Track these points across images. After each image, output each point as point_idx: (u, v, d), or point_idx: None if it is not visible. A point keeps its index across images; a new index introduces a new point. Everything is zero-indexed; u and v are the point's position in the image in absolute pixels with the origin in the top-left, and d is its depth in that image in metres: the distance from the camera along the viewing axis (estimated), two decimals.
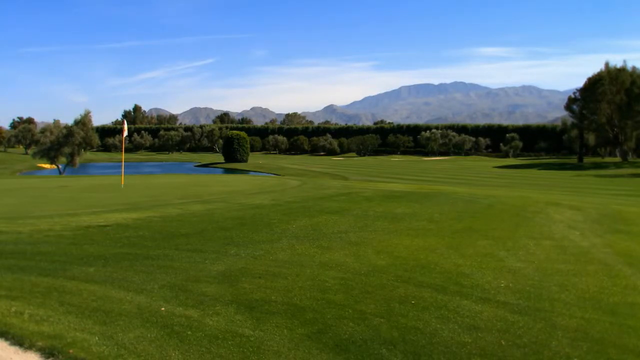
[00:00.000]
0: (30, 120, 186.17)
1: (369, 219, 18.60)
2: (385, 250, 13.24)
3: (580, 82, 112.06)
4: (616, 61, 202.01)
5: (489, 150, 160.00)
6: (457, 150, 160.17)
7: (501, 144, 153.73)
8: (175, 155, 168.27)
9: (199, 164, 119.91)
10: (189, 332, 7.36)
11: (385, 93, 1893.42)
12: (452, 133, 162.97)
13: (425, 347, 7.07)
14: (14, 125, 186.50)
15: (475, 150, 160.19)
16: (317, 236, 15.01)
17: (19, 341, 7.01)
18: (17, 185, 39.00)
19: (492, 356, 6.89)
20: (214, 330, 7.47)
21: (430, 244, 14.07)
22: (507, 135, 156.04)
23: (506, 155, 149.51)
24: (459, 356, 6.85)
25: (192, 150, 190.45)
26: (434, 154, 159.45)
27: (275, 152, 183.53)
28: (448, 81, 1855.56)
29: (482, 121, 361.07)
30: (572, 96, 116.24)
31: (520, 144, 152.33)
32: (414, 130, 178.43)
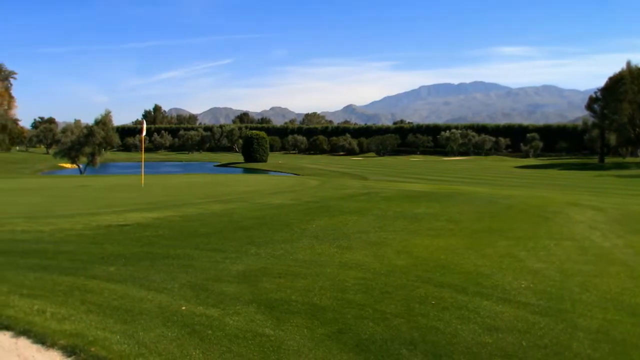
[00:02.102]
0: (51, 120, 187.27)
1: (389, 219, 18.58)
2: (405, 250, 13.22)
3: (601, 82, 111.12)
4: (638, 60, 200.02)
5: (509, 150, 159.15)
6: (477, 150, 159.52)
7: (521, 144, 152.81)
8: (195, 155, 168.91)
9: (219, 163, 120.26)
10: (210, 332, 7.38)
11: (405, 93, 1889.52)
12: (471, 133, 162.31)
13: (446, 348, 7.05)
14: (35, 125, 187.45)
15: (495, 150, 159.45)
16: (337, 236, 15.02)
17: (41, 339, 7.06)
18: (38, 185, 39.32)
19: (513, 357, 6.85)
20: (235, 329, 7.49)
21: (450, 244, 14.03)
22: (528, 135, 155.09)
23: (526, 155, 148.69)
24: (480, 357, 6.82)
25: (211, 150, 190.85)
26: (453, 154, 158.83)
27: (294, 151, 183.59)
28: (468, 81, 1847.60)
29: (502, 121, 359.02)
30: (593, 96, 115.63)
31: (541, 144, 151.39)
32: (433, 130, 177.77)
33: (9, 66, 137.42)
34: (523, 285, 10.08)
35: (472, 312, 8.44)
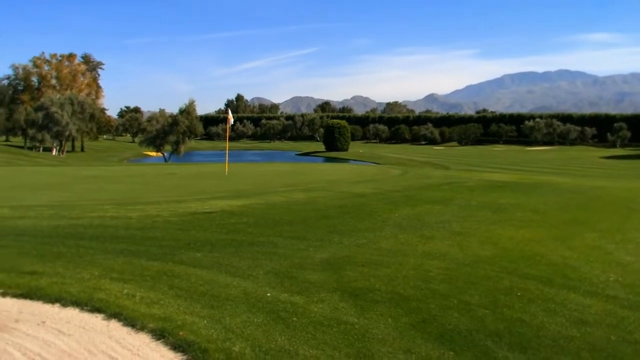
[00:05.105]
0: (136, 110, 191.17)
1: (472, 209, 18.41)
2: (489, 240, 13.10)
3: None
4: None
5: (595, 140, 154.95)
6: (561, 140, 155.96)
7: (608, 134, 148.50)
8: (277, 144, 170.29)
9: (300, 152, 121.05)
10: (295, 318, 7.46)
11: (488, 81, 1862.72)
12: (556, 122, 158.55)
13: (532, 340, 6.97)
14: (121, 114, 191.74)
15: (581, 140, 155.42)
16: (420, 225, 14.97)
17: (131, 322, 7.26)
18: (125, 172, 40.30)
19: (602, 352, 6.73)
20: (319, 317, 7.56)
21: (535, 235, 13.83)
22: (615, 124, 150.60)
23: (613, 145, 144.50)
24: (567, 350, 6.72)
25: (293, 139, 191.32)
26: (537, 143, 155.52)
27: (375, 141, 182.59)
28: (553, 69, 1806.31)
29: (588, 110, 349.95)
30: None
31: (629, 134, 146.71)
32: (517, 120, 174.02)
33: (96, 57, 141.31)
34: (611, 279, 9.87)
35: (559, 305, 8.31)
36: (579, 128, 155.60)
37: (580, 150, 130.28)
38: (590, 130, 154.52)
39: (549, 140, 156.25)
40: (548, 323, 7.58)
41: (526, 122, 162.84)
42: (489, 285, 9.22)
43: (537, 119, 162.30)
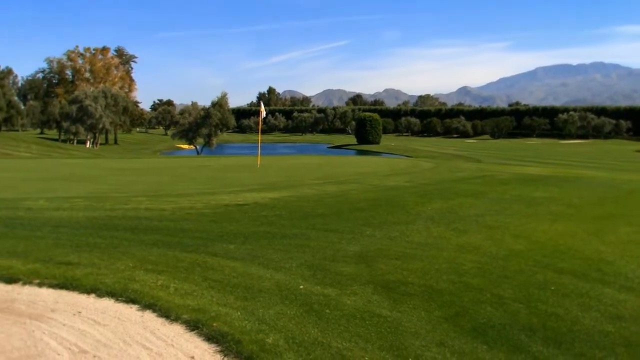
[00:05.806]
0: (169, 103, 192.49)
1: (505, 203, 18.29)
2: (523, 234, 13.01)
3: None
4: None
5: (630, 133, 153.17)
6: (596, 133, 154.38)
7: None
8: (309, 137, 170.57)
9: (332, 145, 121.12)
10: (328, 311, 7.47)
11: (521, 74, 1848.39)
12: (590, 115, 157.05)
13: (566, 335, 6.91)
14: (154, 107, 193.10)
15: (616, 133, 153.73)
16: (453, 219, 14.90)
17: (166, 313, 7.33)
18: (158, 165, 40.65)
19: (637, 347, 6.66)
20: (352, 309, 7.56)
21: (569, 230, 13.71)
22: None
23: None
24: (602, 345, 6.66)
25: (324, 131, 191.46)
26: (571, 137, 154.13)
27: (407, 134, 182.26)
28: (587, 61, 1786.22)
29: (623, 103, 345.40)
30: None
31: None
32: (550, 113, 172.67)
33: (130, 50, 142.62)
34: None
35: (594, 300, 8.24)
36: (613, 121, 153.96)
37: (615, 144, 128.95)
38: (625, 124, 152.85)
39: (583, 133, 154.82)
40: (582, 318, 7.51)
41: (560, 115, 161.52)
42: (522, 280, 9.16)
43: (571, 112, 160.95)
